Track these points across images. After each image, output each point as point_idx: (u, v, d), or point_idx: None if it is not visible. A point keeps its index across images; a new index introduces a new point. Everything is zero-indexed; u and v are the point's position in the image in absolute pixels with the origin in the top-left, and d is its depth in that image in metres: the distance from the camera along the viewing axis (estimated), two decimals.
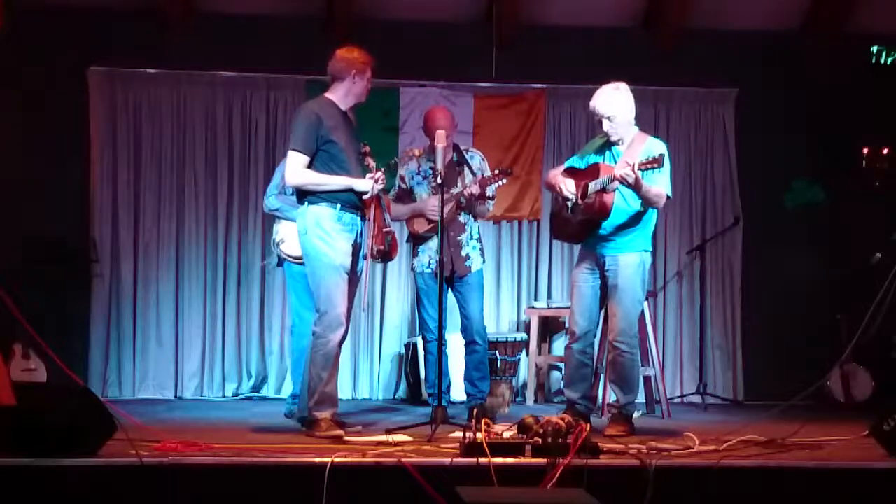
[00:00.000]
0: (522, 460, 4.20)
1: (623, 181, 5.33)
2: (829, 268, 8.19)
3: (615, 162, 5.57)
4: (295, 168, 5.35)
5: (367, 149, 5.60)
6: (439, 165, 5.64)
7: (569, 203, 5.67)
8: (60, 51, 7.91)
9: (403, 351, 8.11)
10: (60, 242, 7.88)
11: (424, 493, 3.98)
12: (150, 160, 8.16)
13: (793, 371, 7.35)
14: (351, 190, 5.37)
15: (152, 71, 8.15)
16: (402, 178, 6.42)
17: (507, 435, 4.40)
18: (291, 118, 5.76)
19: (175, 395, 8.04)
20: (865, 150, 7.62)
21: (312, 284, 5.40)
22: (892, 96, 8.00)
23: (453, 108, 7.59)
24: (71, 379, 5.33)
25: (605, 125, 5.62)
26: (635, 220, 5.60)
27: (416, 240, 6.34)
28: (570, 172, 5.77)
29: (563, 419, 4.29)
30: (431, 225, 6.17)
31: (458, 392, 6.74)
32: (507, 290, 8.44)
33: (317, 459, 4.14)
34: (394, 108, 8.24)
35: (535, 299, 8.34)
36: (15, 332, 7.11)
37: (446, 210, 5.79)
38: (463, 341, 6.31)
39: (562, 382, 7.13)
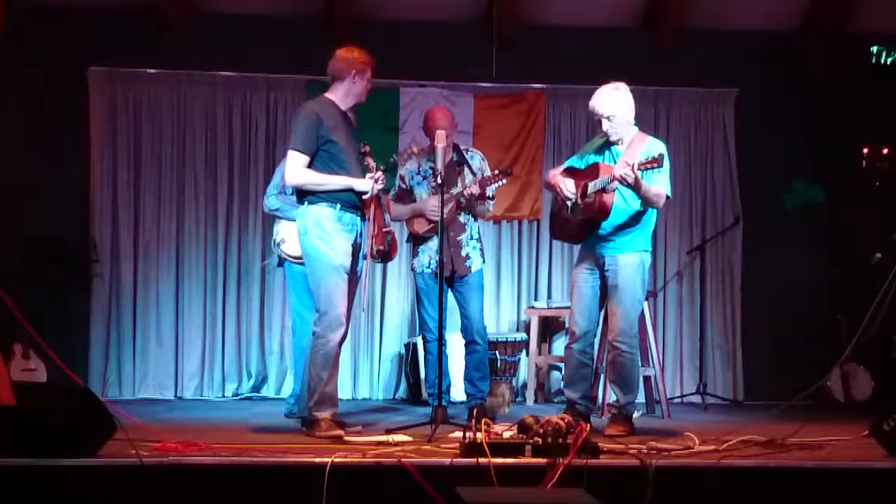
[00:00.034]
0: (522, 460, 4.20)
1: (623, 181, 5.33)
2: (829, 268, 8.19)
3: (615, 162, 5.57)
4: (295, 168, 5.35)
5: (367, 149, 5.61)
6: (439, 165, 5.64)
7: (568, 203, 5.67)
8: (60, 51, 7.91)
9: (403, 351, 8.11)
10: (60, 242, 7.88)
11: (424, 493, 3.98)
12: (150, 160, 8.16)
13: (793, 371, 7.35)
14: (351, 190, 5.37)
15: (152, 71, 8.15)
16: (402, 178, 6.42)
17: (507, 435, 4.40)
18: (291, 118, 5.76)
19: (175, 395, 8.04)
20: (865, 150, 7.63)
21: (312, 284, 5.40)
22: (892, 96, 8.00)
23: (453, 108, 7.59)
24: (71, 379, 5.33)
25: (605, 125, 5.62)
26: (635, 220, 5.60)
27: (416, 240, 6.34)
28: (570, 172, 5.77)
29: (563, 419, 4.29)
30: (431, 225, 6.17)
31: (458, 392, 6.74)
32: (507, 290, 8.44)
33: (317, 459, 4.14)
34: (394, 108, 8.24)
35: (535, 299, 8.34)
36: (15, 332, 7.11)
37: (446, 210, 5.79)
38: (463, 341, 6.31)
39: (562, 382, 7.13)
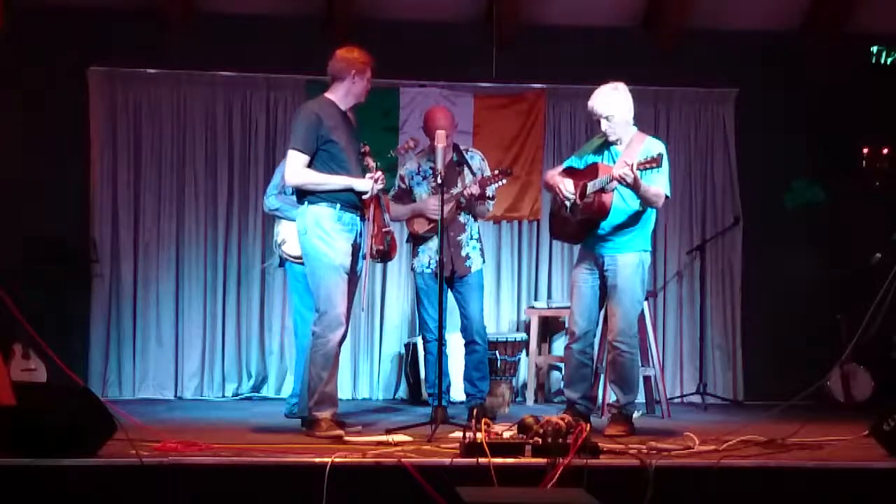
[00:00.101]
0: (522, 460, 4.20)
1: (622, 181, 5.33)
2: (829, 268, 8.19)
3: (614, 162, 5.57)
4: (295, 167, 5.35)
5: (367, 149, 5.60)
6: (439, 165, 5.64)
7: (567, 203, 5.67)
8: (60, 51, 7.91)
9: (403, 351, 8.11)
10: (60, 242, 7.88)
11: (424, 493, 3.98)
12: (150, 160, 8.16)
13: (793, 371, 7.35)
14: (351, 190, 5.37)
15: (152, 71, 8.15)
16: (402, 178, 6.43)
17: (507, 435, 4.40)
18: (291, 118, 5.76)
19: (175, 395, 8.04)
20: (865, 150, 7.63)
21: (312, 284, 5.40)
22: (892, 96, 8.00)
23: (453, 108, 7.59)
24: (71, 379, 5.33)
25: (604, 125, 5.62)
26: (634, 219, 5.60)
27: (416, 240, 6.34)
28: (569, 172, 5.77)
29: (563, 419, 4.29)
30: (431, 225, 6.17)
31: (458, 392, 6.74)
32: (507, 290, 8.44)
33: (317, 459, 4.14)
34: (394, 108, 8.24)
35: (535, 299, 8.34)
36: (15, 332, 7.11)
37: (446, 210, 5.79)
38: (463, 341, 6.31)
39: (562, 382, 7.14)
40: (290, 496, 4.11)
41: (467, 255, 6.23)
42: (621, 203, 5.54)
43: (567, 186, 5.67)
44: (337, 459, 4.11)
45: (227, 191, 8.22)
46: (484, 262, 6.34)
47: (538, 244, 8.47)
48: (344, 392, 7.66)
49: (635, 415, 5.93)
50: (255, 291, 8.21)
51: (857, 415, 6.37)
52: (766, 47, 8.39)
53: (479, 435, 4.23)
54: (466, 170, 6.29)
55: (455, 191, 6.15)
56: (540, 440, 4.21)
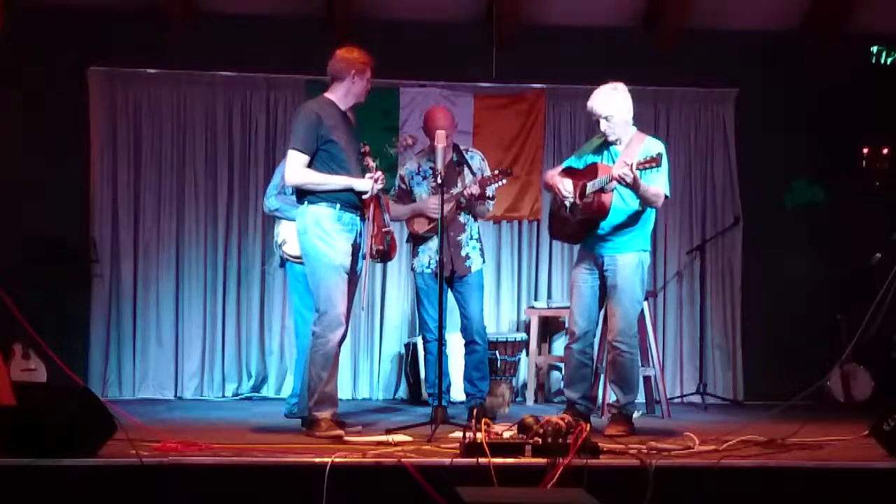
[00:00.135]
0: (522, 460, 4.20)
1: (621, 181, 5.33)
2: (829, 268, 8.19)
3: (613, 162, 5.57)
4: (295, 167, 5.35)
5: (367, 149, 5.61)
6: (439, 165, 5.64)
7: (567, 203, 5.67)
8: (60, 51, 7.91)
9: (403, 351, 8.11)
10: (60, 242, 7.88)
11: (424, 493, 3.98)
12: (150, 160, 8.16)
13: (793, 371, 7.35)
14: (351, 190, 5.37)
15: (152, 71, 8.15)
16: (402, 179, 6.43)
17: (507, 435, 4.40)
18: (291, 118, 5.76)
19: (175, 395, 8.04)
20: (865, 150, 7.63)
21: (312, 284, 5.40)
22: (892, 96, 8.00)
23: (453, 108, 7.59)
24: (71, 379, 5.32)
25: (603, 125, 5.62)
26: (633, 219, 5.60)
27: (416, 240, 6.34)
28: (568, 172, 5.77)
29: (563, 419, 4.29)
30: (431, 225, 6.17)
31: (458, 392, 6.74)
32: (507, 290, 8.44)
33: (317, 459, 4.14)
34: (394, 108, 8.24)
35: (535, 299, 8.34)
36: (15, 332, 7.11)
37: (446, 210, 5.79)
38: (463, 341, 6.31)
39: (562, 382, 7.14)
40: (290, 496, 4.11)
41: (467, 255, 6.23)
42: (621, 203, 5.54)
43: (566, 186, 5.67)
44: (337, 459, 4.11)
45: (227, 191, 8.22)
46: (484, 262, 6.35)
47: (538, 244, 8.47)
48: (344, 392, 7.67)
49: (635, 415, 5.93)
50: (255, 291, 8.21)
51: (857, 415, 6.37)
52: (766, 47, 8.39)
53: (479, 435, 4.23)
54: (466, 170, 6.29)
55: (455, 191, 6.15)
56: (540, 440, 4.21)
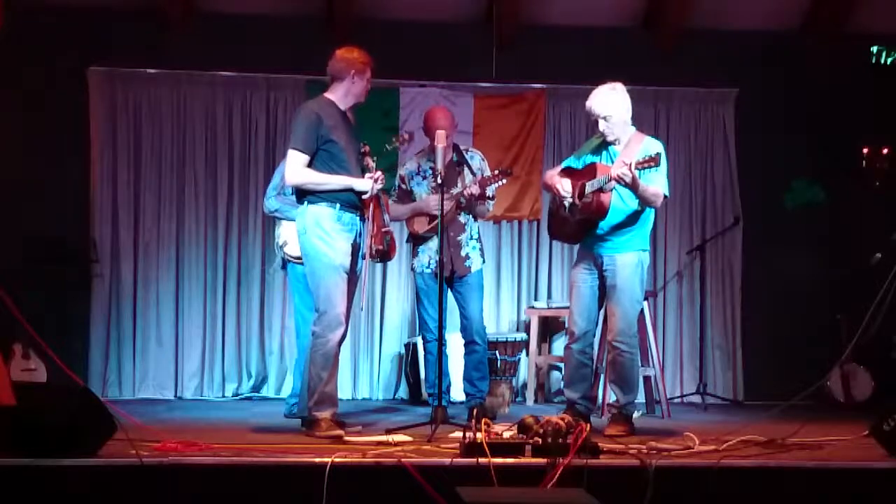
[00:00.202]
0: (522, 460, 4.20)
1: (620, 181, 5.33)
2: (829, 268, 8.19)
3: (612, 162, 5.58)
4: (295, 167, 5.35)
5: (367, 149, 5.61)
6: (439, 165, 5.64)
7: (566, 203, 5.67)
8: (60, 51, 7.91)
9: (403, 351, 8.11)
10: (60, 242, 7.88)
11: (424, 493, 3.98)
12: (150, 160, 8.16)
13: (793, 371, 7.35)
14: (350, 189, 5.37)
15: (152, 71, 8.15)
16: (402, 179, 6.43)
17: (507, 435, 4.40)
18: (291, 118, 5.77)
19: (175, 395, 8.04)
20: (865, 150, 7.63)
21: (312, 284, 5.40)
22: (892, 96, 8.01)
23: (453, 108, 7.59)
24: (71, 379, 5.32)
25: (602, 125, 5.63)
26: (633, 219, 5.60)
27: (416, 240, 6.35)
28: (568, 173, 5.77)
29: (563, 419, 4.29)
30: (431, 225, 6.17)
31: (457, 392, 6.74)
32: (507, 290, 8.44)
33: (317, 459, 4.14)
34: (394, 108, 8.24)
35: (535, 299, 8.34)
36: (15, 332, 7.11)
37: (446, 210, 5.79)
38: (463, 341, 6.31)
39: (562, 382, 7.13)
40: (290, 496, 4.11)
41: (467, 255, 6.23)
42: (620, 203, 5.54)
43: (565, 187, 5.67)
44: (337, 459, 4.11)
45: (227, 191, 8.22)
46: (484, 262, 6.35)
47: (538, 244, 8.47)
48: (344, 392, 7.67)
49: (635, 415, 5.93)
50: (255, 291, 8.22)
51: (857, 415, 6.37)
52: (766, 47, 8.39)
53: (479, 435, 4.23)
54: (466, 170, 6.29)
55: (455, 191, 6.15)
56: (540, 440, 4.21)
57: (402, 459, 4.14)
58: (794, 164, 8.45)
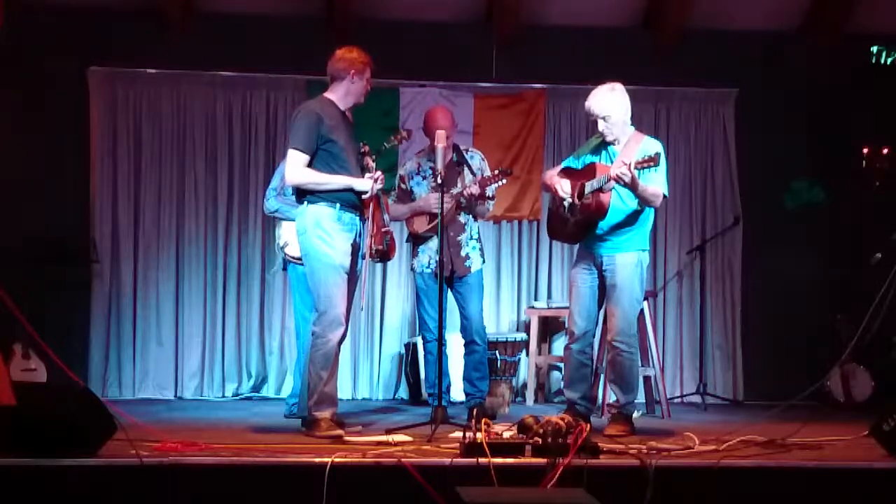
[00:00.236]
0: (522, 460, 4.20)
1: (619, 180, 5.33)
2: (829, 268, 8.19)
3: (611, 162, 5.58)
4: (295, 167, 5.35)
5: (367, 148, 5.61)
6: (439, 165, 5.64)
7: (565, 203, 5.67)
8: (60, 51, 7.90)
9: (403, 351, 8.11)
10: (60, 242, 7.87)
11: (424, 493, 3.98)
12: (150, 160, 8.16)
13: (793, 371, 7.35)
14: (350, 189, 5.37)
15: (152, 71, 8.14)
16: (402, 179, 6.43)
17: (507, 435, 4.41)
18: (291, 118, 5.77)
19: (175, 395, 8.04)
20: (865, 150, 7.63)
21: (311, 284, 5.40)
22: (892, 96, 8.00)
23: (453, 108, 7.58)
24: (71, 379, 5.32)
25: (601, 125, 5.63)
26: (632, 219, 5.60)
27: (416, 240, 6.35)
28: (567, 173, 5.78)
29: (563, 419, 4.29)
30: (431, 224, 6.17)
31: (457, 392, 6.74)
32: (507, 290, 8.44)
33: (317, 459, 4.15)
34: (394, 108, 8.24)
35: (535, 299, 8.34)
36: (15, 332, 7.10)
37: (446, 210, 5.79)
38: (463, 341, 6.31)
39: (562, 382, 7.13)
40: (290, 496, 4.11)
41: (467, 255, 6.23)
42: (619, 203, 5.54)
43: (564, 187, 5.67)
44: (337, 459, 4.11)
45: (227, 191, 8.22)
46: (484, 262, 6.35)
47: (538, 244, 8.47)
48: (344, 392, 7.67)
49: (635, 415, 5.93)
50: (255, 291, 8.21)
51: (857, 415, 6.38)
52: (766, 47, 8.39)
53: (479, 435, 4.24)
54: (466, 170, 6.29)
55: (455, 191, 6.15)
56: (540, 440, 4.21)
57: (402, 459, 4.14)
58: (794, 164, 8.44)
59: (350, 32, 7.55)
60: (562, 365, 6.91)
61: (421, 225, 6.28)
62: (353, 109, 5.57)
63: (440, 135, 5.76)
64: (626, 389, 5.70)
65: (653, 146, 5.55)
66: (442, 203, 5.60)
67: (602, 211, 5.50)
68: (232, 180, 8.24)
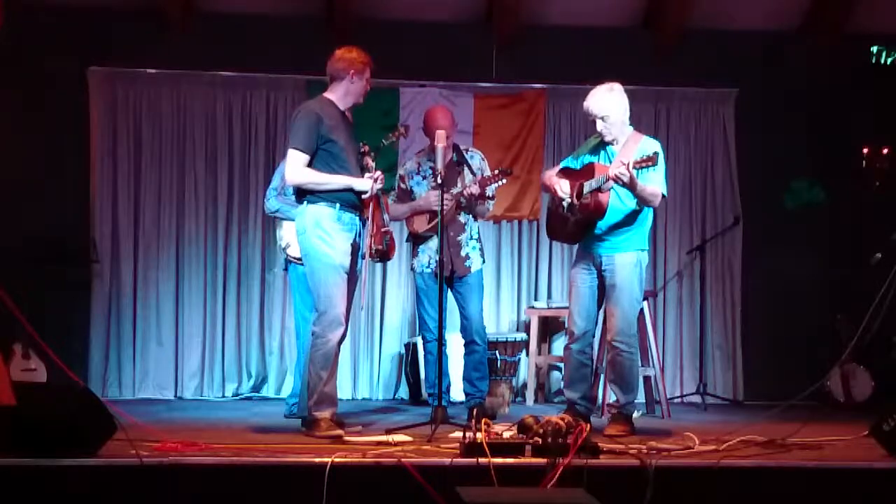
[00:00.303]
0: (522, 460, 4.20)
1: (618, 180, 5.33)
2: (829, 268, 8.19)
3: (610, 162, 5.58)
4: (295, 167, 5.35)
5: (367, 148, 5.61)
6: (439, 165, 5.64)
7: (564, 203, 5.67)
8: (60, 51, 7.90)
9: (403, 351, 8.11)
10: (60, 242, 7.87)
11: (424, 493, 3.98)
12: (150, 160, 8.16)
13: (793, 371, 7.35)
14: (350, 189, 5.37)
15: (152, 71, 8.14)
16: (402, 179, 6.43)
17: (507, 435, 4.41)
18: (291, 118, 5.78)
19: (175, 395, 8.04)
20: (865, 150, 7.63)
21: (311, 284, 5.41)
22: (892, 96, 8.00)
23: (453, 108, 7.58)
24: (71, 379, 5.32)
25: (599, 125, 5.63)
26: (631, 219, 5.60)
27: (416, 240, 6.35)
28: (566, 173, 5.78)
29: (563, 419, 4.29)
30: (431, 224, 6.17)
31: (457, 392, 6.74)
32: (507, 290, 8.44)
33: (317, 459, 4.15)
34: (394, 108, 8.24)
35: (535, 299, 8.34)
36: (15, 332, 7.10)
37: (446, 210, 5.79)
38: (463, 341, 6.31)
39: (562, 382, 7.13)
40: (290, 496, 4.11)
41: (467, 255, 6.23)
42: (618, 203, 5.55)
43: (563, 187, 5.67)
44: (337, 459, 4.11)
45: (227, 191, 8.22)
46: (484, 262, 6.35)
47: (538, 244, 8.47)
48: (344, 392, 7.67)
49: (635, 415, 5.93)
50: (255, 291, 8.21)
51: (857, 415, 6.38)
52: (766, 47, 8.39)
53: (479, 435, 4.24)
54: (466, 170, 6.29)
55: (455, 191, 6.15)
56: (540, 440, 4.21)
57: (402, 459, 4.14)
58: (794, 164, 8.45)
59: (350, 32, 7.55)
60: (562, 365, 6.91)
61: (421, 225, 6.28)
62: (352, 109, 5.57)
63: (440, 135, 5.76)
64: (626, 389, 5.70)
65: (651, 146, 5.55)
66: (442, 203, 5.60)
67: (601, 211, 5.51)
68: (232, 180, 8.24)
